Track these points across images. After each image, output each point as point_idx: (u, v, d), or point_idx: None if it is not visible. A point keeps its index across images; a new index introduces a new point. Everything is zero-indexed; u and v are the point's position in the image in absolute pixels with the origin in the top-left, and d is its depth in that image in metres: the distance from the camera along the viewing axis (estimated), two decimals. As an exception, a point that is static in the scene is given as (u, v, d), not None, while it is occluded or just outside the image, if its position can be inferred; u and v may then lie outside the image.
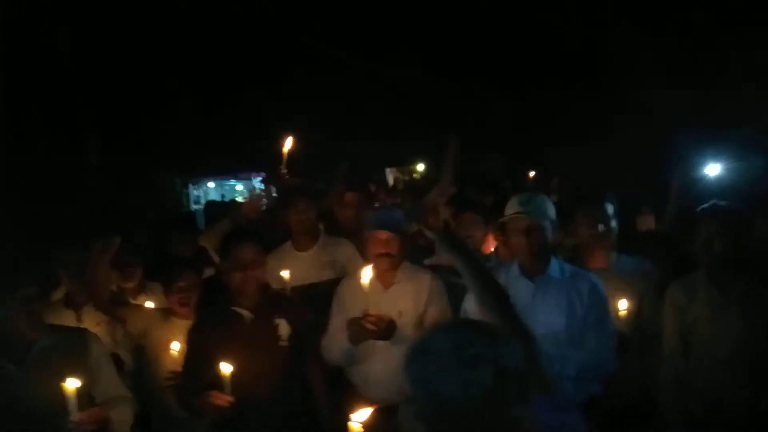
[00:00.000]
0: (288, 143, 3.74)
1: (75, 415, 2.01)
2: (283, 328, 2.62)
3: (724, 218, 2.47)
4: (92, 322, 2.94)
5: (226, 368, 2.31)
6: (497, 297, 1.61)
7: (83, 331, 2.48)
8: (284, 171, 3.77)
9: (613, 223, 2.90)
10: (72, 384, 2.01)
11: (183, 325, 2.84)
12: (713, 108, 5.78)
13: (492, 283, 1.67)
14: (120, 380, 2.46)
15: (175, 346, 2.79)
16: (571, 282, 2.44)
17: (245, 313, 2.59)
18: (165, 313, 3.03)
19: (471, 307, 2.50)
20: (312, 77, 7.90)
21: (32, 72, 5.25)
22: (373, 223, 2.84)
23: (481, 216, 3.42)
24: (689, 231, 2.60)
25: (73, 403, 2.01)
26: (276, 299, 2.77)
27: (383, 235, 2.77)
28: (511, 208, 2.49)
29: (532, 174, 6.21)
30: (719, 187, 3.30)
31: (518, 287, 2.36)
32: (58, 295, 3.07)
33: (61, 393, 2.01)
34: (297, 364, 2.69)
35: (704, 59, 5.98)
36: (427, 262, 3.13)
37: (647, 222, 4.14)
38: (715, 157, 3.71)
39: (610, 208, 2.92)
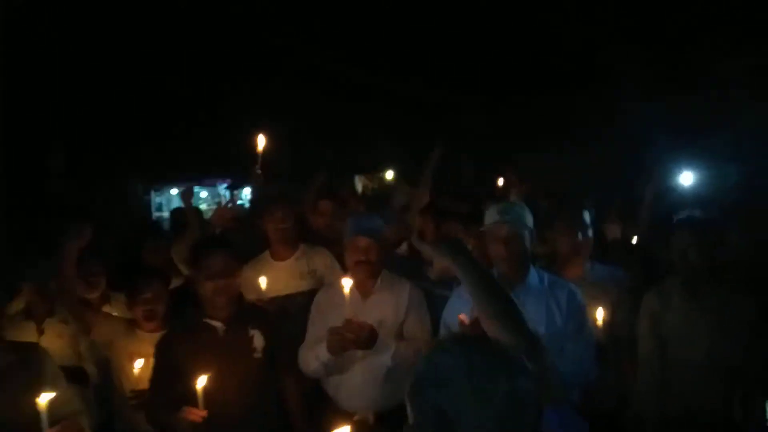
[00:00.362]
0: (261, 142, 3.67)
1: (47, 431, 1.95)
2: (258, 340, 2.56)
3: (699, 229, 2.53)
4: (54, 334, 2.83)
5: (200, 382, 2.25)
6: (504, 303, 1.56)
7: (36, 347, 2.40)
8: (258, 171, 3.69)
9: (590, 232, 2.92)
10: (44, 398, 1.95)
11: (147, 338, 2.76)
12: (687, 114, 5.92)
13: (495, 287, 1.61)
14: (75, 394, 2.38)
15: (138, 364, 2.68)
16: (550, 291, 2.45)
17: (218, 324, 2.52)
18: (130, 324, 2.92)
19: (451, 318, 2.48)
20: (281, 81, 7.81)
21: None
22: (353, 230, 2.80)
23: (461, 225, 3.40)
24: (664, 239, 2.65)
25: (44, 419, 1.95)
26: (250, 310, 2.71)
27: (362, 242, 2.74)
28: (491, 216, 2.49)
29: (500, 181, 6.24)
30: (692, 196, 3.37)
31: None
32: (17, 306, 2.92)
33: (24, 410, 1.95)
34: (272, 376, 2.63)
35: (680, 65, 6.12)
36: (431, 276, 3.10)
37: (614, 230, 4.20)
38: (689, 165, 3.78)
39: (587, 217, 2.94)
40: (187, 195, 3.99)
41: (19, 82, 5.35)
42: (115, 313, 3.11)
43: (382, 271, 2.83)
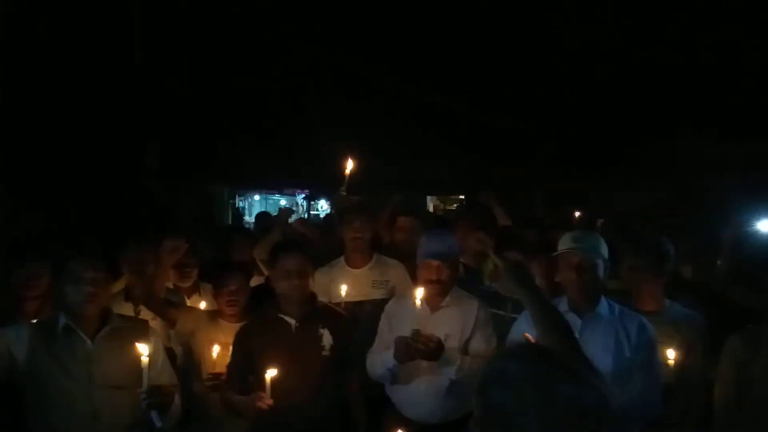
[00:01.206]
0: (349, 165, 3.88)
1: (146, 384, 2.21)
2: (327, 338, 2.71)
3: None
4: (149, 315, 3.08)
5: (269, 373, 2.41)
6: (563, 334, 1.62)
7: (145, 323, 2.71)
8: (344, 192, 3.89)
9: (662, 269, 2.88)
10: (145, 351, 2.23)
11: (229, 327, 2.97)
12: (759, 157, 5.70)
13: (558, 319, 1.69)
14: (173, 372, 2.64)
15: (216, 349, 2.89)
16: (619, 321, 2.43)
17: (291, 320, 2.70)
18: (213, 315, 3.15)
19: (517, 336, 2.54)
20: (366, 103, 8.09)
21: (102, 74, 5.53)
22: (426, 252, 2.88)
23: (522, 253, 3.39)
24: (756, 285, 2.57)
25: (146, 372, 2.21)
26: (322, 310, 2.86)
27: (434, 263, 2.81)
28: (564, 243, 2.51)
29: (577, 214, 6.16)
30: None
31: None
32: (118, 287, 3.22)
33: (127, 368, 2.25)
34: (337, 375, 2.76)
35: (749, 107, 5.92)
36: (492, 286, 3.17)
37: (685, 272, 4.07)
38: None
39: (670, 250, 2.89)
40: (285, 212, 4.33)
41: (123, 87, 5.86)
42: (203, 302, 3.34)
43: (453, 288, 2.90)
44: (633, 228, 4.72)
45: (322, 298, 3.41)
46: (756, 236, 3.54)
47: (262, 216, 6.23)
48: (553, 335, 1.63)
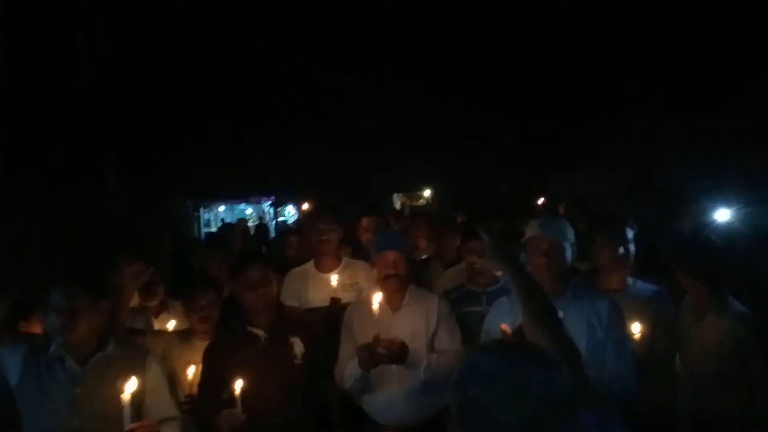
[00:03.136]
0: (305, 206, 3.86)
1: (128, 423, 2.09)
2: (298, 347, 2.66)
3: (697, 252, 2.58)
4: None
5: (237, 385, 2.36)
6: (546, 312, 1.64)
7: (146, 351, 2.59)
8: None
9: (631, 247, 2.95)
10: (129, 389, 2.12)
11: (202, 346, 2.86)
12: (721, 135, 5.90)
13: (542, 297, 1.70)
14: (172, 401, 2.53)
15: (191, 370, 2.81)
16: (590, 303, 2.47)
17: (260, 332, 2.65)
18: (184, 334, 3.07)
19: (493, 328, 2.55)
20: (323, 103, 8.07)
21: (53, 94, 5.37)
22: (380, 245, 2.87)
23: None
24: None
25: (127, 409, 2.09)
26: (290, 319, 2.83)
27: (390, 255, 2.81)
28: (532, 230, 2.55)
29: (540, 201, 6.27)
30: (728, 232, 3.37)
31: None
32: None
33: (116, 400, 2.11)
34: (311, 382, 2.72)
35: (712, 87, 6.11)
36: (478, 262, 3.16)
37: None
38: (725, 201, 3.80)
39: (629, 233, 2.97)
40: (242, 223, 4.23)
41: (79, 103, 5.70)
42: (172, 320, 3.25)
43: (410, 285, 2.89)
44: (595, 210, 4.83)
45: (293, 303, 3.38)
46: (713, 226, 3.64)
47: (225, 227, 6.15)
48: (536, 312, 1.64)
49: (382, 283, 2.81)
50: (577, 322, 2.39)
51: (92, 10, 5.69)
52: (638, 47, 6.34)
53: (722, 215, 3.79)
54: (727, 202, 3.87)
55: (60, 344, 2.30)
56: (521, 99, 7.81)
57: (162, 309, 3.43)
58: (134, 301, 3.34)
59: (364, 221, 4.01)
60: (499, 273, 3.09)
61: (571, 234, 2.55)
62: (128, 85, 6.37)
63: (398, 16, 6.51)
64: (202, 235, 9.81)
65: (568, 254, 2.50)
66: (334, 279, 3.36)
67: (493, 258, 1.86)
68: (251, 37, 6.92)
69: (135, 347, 2.62)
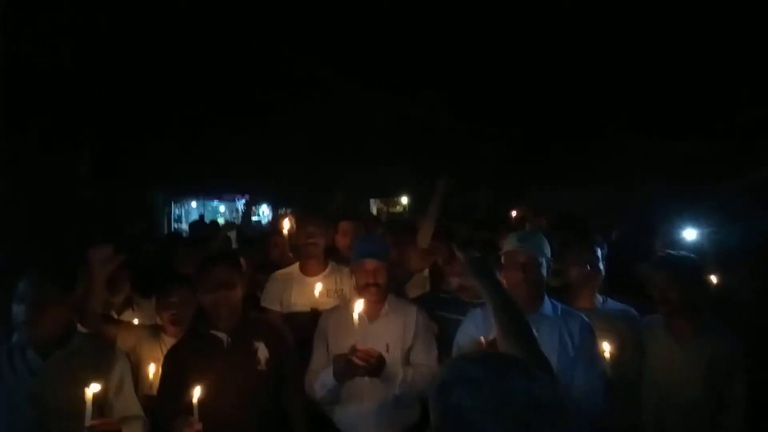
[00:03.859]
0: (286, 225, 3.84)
1: (89, 421, 2.04)
2: (262, 352, 2.57)
3: (676, 268, 2.62)
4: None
5: (195, 393, 2.26)
6: (521, 328, 1.64)
7: (112, 346, 2.56)
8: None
9: (601, 265, 2.98)
10: (92, 389, 2.06)
11: (172, 343, 2.79)
12: (699, 160, 6.05)
13: (517, 314, 1.70)
14: (136, 400, 2.47)
15: (152, 368, 2.74)
16: (563, 321, 2.48)
17: (222, 335, 2.56)
18: (155, 330, 2.99)
19: (464, 340, 2.54)
20: (301, 105, 8.00)
21: (29, 79, 5.22)
22: (360, 253, 2.78)
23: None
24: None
25: (89, 408, 2.04)
26: (255, 323, 2.73)
27: (370, 264, 2.74)
28: (510, 243, 2.54)
29: (514, 213, 6.27)
30: (695, 251, 3.47)
31: None
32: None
33: (78, 396, 2.06)
34: (275, 390, 2.62)
35: (689, 113, 6.27)
36: (454, 282, 3.14)
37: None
38: (693, 221, 3.89)
39: (599, 251, 3.00)
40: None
41: (52, 89, 5.54)
42: (136, 320, 3.18)
43: (389, 295, 2.83)
44: (574, 227, 4.87)
45: (275, 307, 3.31)
46: (682, 245, 3.72)
47: (195, 225, 6.02)
48: (511, 329, 1.63)
49: (361, 291, 2.74)
50: (549, 338, 2.40)
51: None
52: (623, 72, 6.47)
53: (689, 235, 3.87)
54: (695, 223, 3.96)
55: (24, 335, 2.25)
56: (503, 111, 7.88)
57: (126, 306, 3.33)
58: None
59: (342, 225, 3.96)
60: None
61: (548, 249, 2.56)
62: (106, 73, 6.23)
63: (385, 17, 6.49)
64: (173, 229, 9.64)
65: (544, 270, 2.50)
66: (318, 286, 3.31)
67: (469, 274, 1.84)
68: (231, 31, 6.82)
69: (102, 342, 2.57)
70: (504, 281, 2.66)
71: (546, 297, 2.54)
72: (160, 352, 2.81)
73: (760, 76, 5.59)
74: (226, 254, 2.76)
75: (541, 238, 2.59)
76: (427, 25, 6.58)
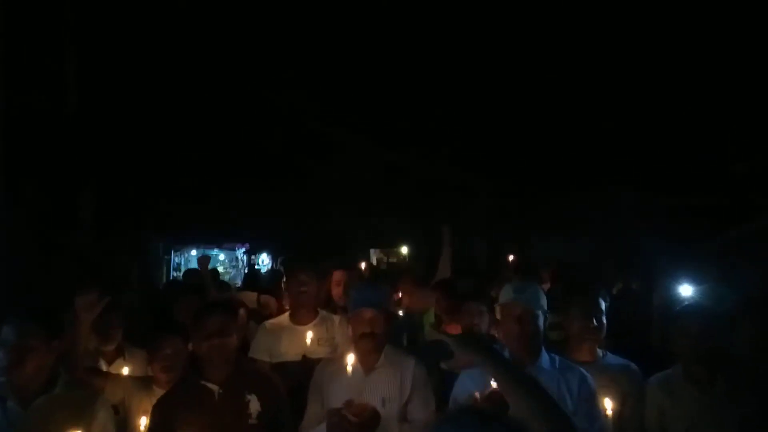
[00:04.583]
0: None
1: None
2: (254, 404, 2.50)
3: (702, 317, 2.55)
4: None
5: None
6: (534, 390, 1.52)
7: (96, 395, 2.47)
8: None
9: (603, 319, 2.93)
10: None
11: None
12: (694, 212, 6.08)
13: (525, 378, 1.60)
14: None
15: (143, 421, 2.62)
16: (561, 374, 2.42)
17: (213, 387, 2.49)
18: (146, 381, 2.92)
19: (461, 395, 2.48)
20: (302, 157, 8.11)
21: (35, 122, 5.33)
22: (357, 302, 2.72)
23: (483, 305, 3.38)
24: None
25: None
26: (248, 374, 2.66)
27: (368, 313, 2.66)
28: (506, 294, 2.51)
29: (511, 258, 6.21)
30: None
31: None
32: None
33: None
34: None
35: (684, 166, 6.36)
36: (444, 365, 3.11)
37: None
38: (688, 278, 3.89)
39: (602, 304, 2.96)
40: (204, 260, 4.14)
41: (58, 136, 5.64)
42: (126, 368, 3.10)
43: (386, 345, 2.77)
44: (575, 279, 4.85)
45: (263, 357, 3.26)
46: (679, 300, 3.70)
47: (189, 273, 6.03)
48: (524, 394, 1.51)
49: (357, 342, 2.68)
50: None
51: (77, 39, 5.72)
52: (619, 126, 6.60)
53: (685, 291, 3.85)
54: (691, 278, 3.95)
55: (4, 383, 2.19)
56: (500, 163, 7.98)
57: (118, 354, 3.26)
58: (90, 343, 3.20)
59: (336, 275, 3.94)
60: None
61: (544, 301, 2.52)
62: (110, 120, 6.35)
63: (386, 73, 6.66)
64: (171, 278, 9.59)
65: (541, 322, 2.46)
66: (308, 334, 3.25)
67: (461, 353, 1.72)
68: (233, 83, 7.00)
69: (85, 390, 2.49)
70: (500, 334, 2.64)
71: (543, 350, 2.49)
72: (150, 405, 2.70)
73: (752, 128, 5.69)
74: (222, 302, 2.71)
75: (537, 289, 2.55)
76: (427, 81, 6.76)
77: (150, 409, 2.66)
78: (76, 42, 5.79)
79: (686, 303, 2.77)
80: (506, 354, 2.48)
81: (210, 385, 2.49)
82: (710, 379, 2.52)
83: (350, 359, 2.50)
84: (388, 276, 5.26)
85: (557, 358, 2.52)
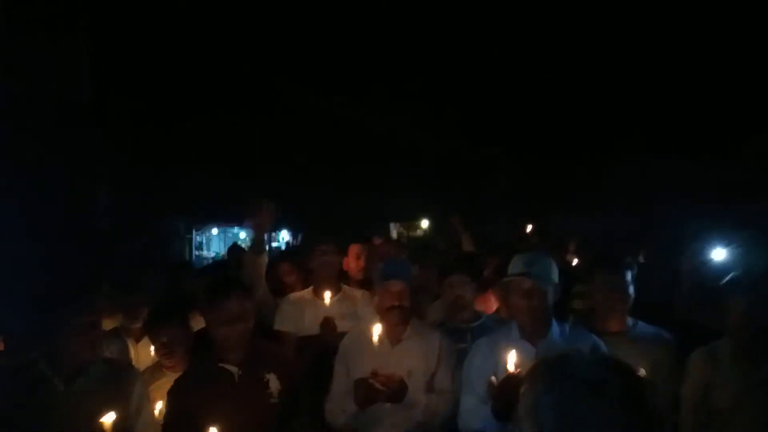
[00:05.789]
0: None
1: None
2: (274, 383, 2.46)
3: (760, 289, 2.40)
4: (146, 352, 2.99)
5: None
6: None
7: (130, 368, 2.55)
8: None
9: (631, 289, 2.86)
10: (108, 418, 2.07)
11: (174, 378, 2.65)
12: (723, 181, 5.91)
13: None
14: (156, 422, 2.44)
15: (159, 406, 2.61)
16: (572, 344, 2.33)
17: (233, 368, 2.44)
18: (156, 368, 2.90)
19: (472, 373, 2.43)
20: (321, 132, 8.07)
21: (50, 108, 5.35)
22: (385, 274, 2.69)
23: (468, 276, 3.20)
24: (710, 307, 2.55)
25: None
26: (265, 353, 2.59)
27: (396, 286, 2.64)
28: (515, 266, 2.42)
29: (529, 228, 6.04)
30: (724, 271, 3.33)
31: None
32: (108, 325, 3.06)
33: (98, 423, 2.07)
34: (288, 422, 2.49)
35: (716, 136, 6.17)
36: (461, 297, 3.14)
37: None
38: (722, 241, 3.76)
39: (628, 275, 2.88)
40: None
41: (72, 119, 5.66)
42: (153, 346, 3.12)
43: (412, 318, 2.75)
44: (602, 251, 4.76)
45: (290, 328, 3.27)
46: (711, 265, 3.58)
47: (234, 248, 6.07)
48: None
49: (385, 314, 2.65)
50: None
51: (91, 28, 5.71)
52: (646, 92, 6.41)
53: (718, 255, 3.74)
54: (723, 242, 3.83)
55: (46, 364, 2.24)
56: (522, 137, 7.85)
57: (144, 333, 3.28)
58: (116, 322, 3.24)
59: (354, 248, 3.91)
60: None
61: (555, 274, 2.44)
62: (127, 102, 6.36)
63: (403, 47, 6.55)
64: (194, 257, 9.69)
65: (551, 296, 2.38)
66: (331, 307, 3.24)
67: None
68: (251, 62, 6.94)
69: (123, 366, 2.55)
70: (508, 308, 2.56)
71: (554, 322, 2.42)
72: (164, 389, 2.62)
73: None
74: (237, 283, 2.62)
75: (548, 261, 2.46)
76: (447, 58, 6.64)
77: (164, 393, 2.59)
78: (89, 29, 5.78)
79: (733, 275, 2.62)
80: (514, 328, 2.44)
81: (229, 367, 2.44)
82: (760, 356, 2.38)
83: (377, 330, 2.48)
84: (412, 251, 5.21)
85: (568, 327, 2.45)
